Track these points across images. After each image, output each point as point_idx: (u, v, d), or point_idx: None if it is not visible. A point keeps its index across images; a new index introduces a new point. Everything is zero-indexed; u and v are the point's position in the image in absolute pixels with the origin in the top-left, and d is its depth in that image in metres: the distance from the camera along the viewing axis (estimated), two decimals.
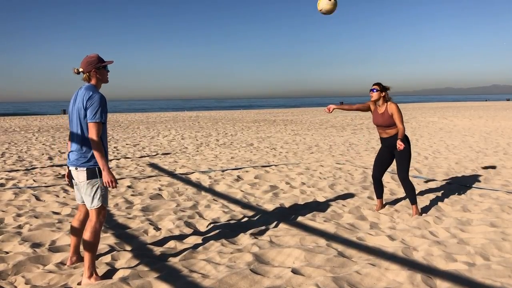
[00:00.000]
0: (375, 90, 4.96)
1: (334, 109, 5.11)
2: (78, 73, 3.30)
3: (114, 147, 11.99)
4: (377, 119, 5.03)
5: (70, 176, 3.46)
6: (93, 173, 3.21)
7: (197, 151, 11.16)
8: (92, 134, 3.15)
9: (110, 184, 3.17)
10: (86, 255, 3.22)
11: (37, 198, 5.91)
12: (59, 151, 11.30)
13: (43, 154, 10.55)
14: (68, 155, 3.33)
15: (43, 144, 12.92)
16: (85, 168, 3.21)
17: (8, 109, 76.29)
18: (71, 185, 3.49)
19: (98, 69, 3.30)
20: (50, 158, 9.86)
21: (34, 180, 7.14)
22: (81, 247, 3.59)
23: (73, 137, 3.30)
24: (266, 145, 12.26)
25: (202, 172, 7.90)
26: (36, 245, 4.02)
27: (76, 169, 3.23)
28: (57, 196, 6.05)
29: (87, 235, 3.23)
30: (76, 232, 3.54)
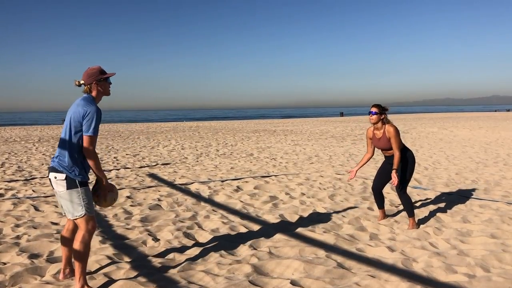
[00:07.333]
0: (374, 113, 4.82)
1: (357, 171, 4.69)
2: (80, 85, 3.27)
3: (114, 157, 11.98)
4: (376, 143, 4.97)
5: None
6: (72, 183, 3.14)
7: (197, 161, 11.16)
8: (88, 146, 3.13)
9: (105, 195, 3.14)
10: (77, 266, 3.20)
11: (36, 209, 5.89)
12: None
13: (42, 164, 10.55)
14: (52, 159, 3.25)
15: (43, 154, 12.92)
16: (64, 176, 3.12)
17: (8, 119, 76.44)
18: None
19: (99, 81, 3.25)
20: None
21: (33, 190, 7.14)
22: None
23: (61, 144, 3.22)
24: (266, 155, 12.26)
25: (201, 182, 7.89)
26: (34, 256, 4.01)
27: (56, 178, 3.15)
28: (56, 206, 6.03)
29: (76, 245, 3.19)
30: (66, 243, 3.47)
